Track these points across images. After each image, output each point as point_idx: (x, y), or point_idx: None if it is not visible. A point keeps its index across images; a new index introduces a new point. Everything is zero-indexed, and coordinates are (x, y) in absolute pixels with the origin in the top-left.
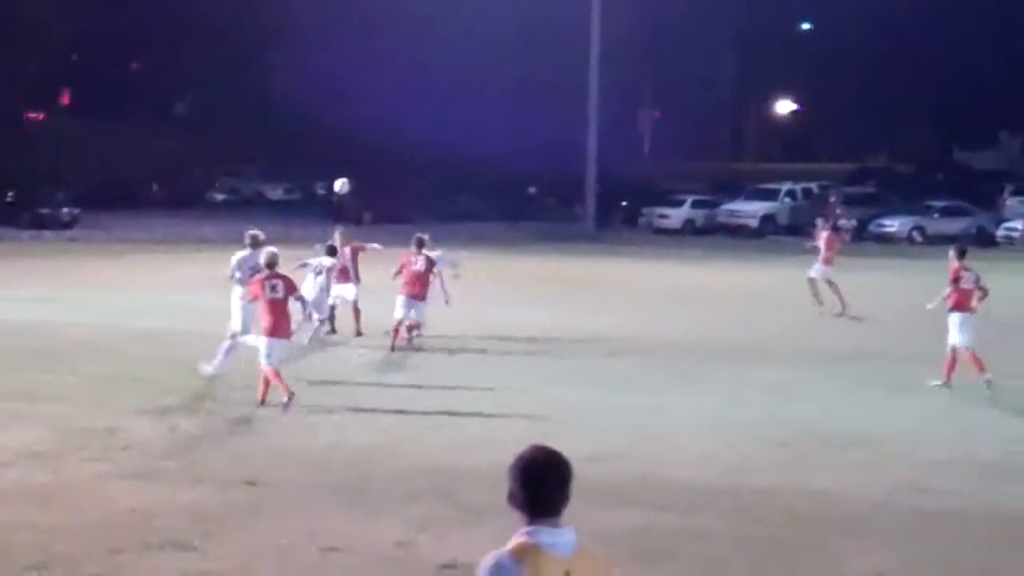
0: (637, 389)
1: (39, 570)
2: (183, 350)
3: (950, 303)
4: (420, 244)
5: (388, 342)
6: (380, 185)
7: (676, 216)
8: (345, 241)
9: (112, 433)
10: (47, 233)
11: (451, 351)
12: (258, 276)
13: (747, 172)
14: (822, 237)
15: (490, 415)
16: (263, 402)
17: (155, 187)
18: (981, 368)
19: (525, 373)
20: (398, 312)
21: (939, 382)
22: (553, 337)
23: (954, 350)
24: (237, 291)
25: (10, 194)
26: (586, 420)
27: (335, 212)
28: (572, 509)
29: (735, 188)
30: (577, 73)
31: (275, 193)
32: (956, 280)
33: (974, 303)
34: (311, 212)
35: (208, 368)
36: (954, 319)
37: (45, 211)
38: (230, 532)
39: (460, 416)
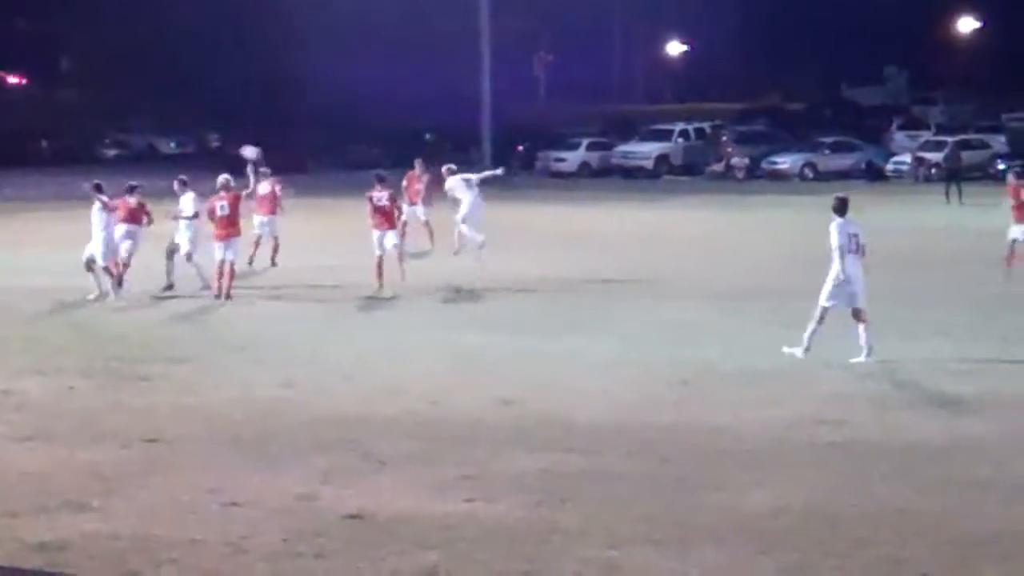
0: (538, 333)
1: None
2: (77, 308)
3: (1015, 216)
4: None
5: (284, 296)
6: (273, 136)
7: (572, 159)
8: None
9: (5, 394)
10: None
11: (351, 300)
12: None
13: (639, 114)
14: None
15: (394, 364)
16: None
17: (44, 144)
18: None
19: (427, 320)
20: None
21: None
22: (453, 283)
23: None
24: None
25: None
26: (489, 365)
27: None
28: (478, 455)
29: (628, 130)
30: (472, 18)
31: (167, 147)
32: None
33: None
34: (204, 165)
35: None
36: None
37: None
38: (130, 490)
39: (364, 366)
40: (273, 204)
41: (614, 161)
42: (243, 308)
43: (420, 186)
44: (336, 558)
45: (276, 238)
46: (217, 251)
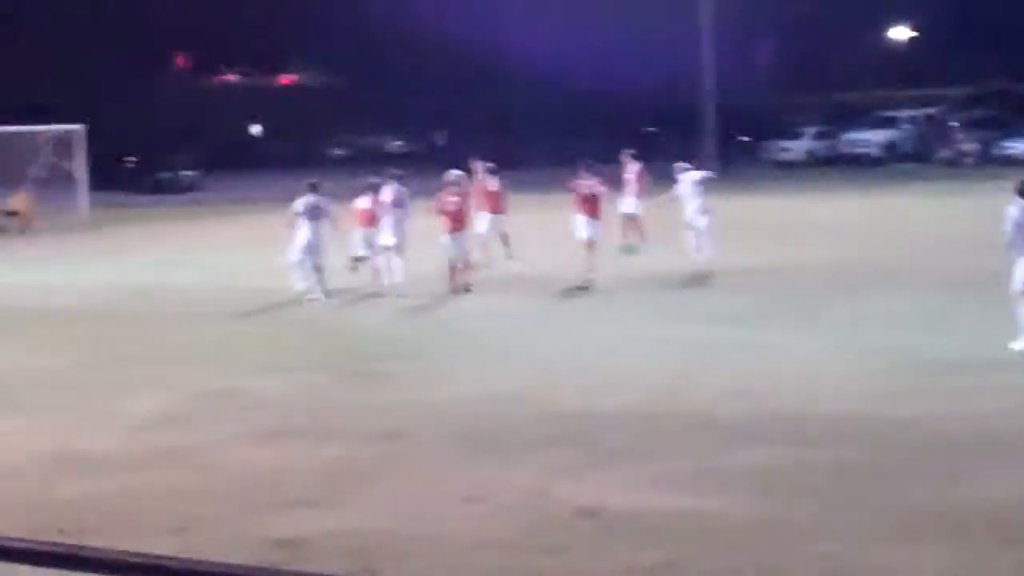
0: (764, 324)
1: (177, 533)
2: (308, 307)
3: None
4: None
5: (515, 289)
6: (491, 132)
7: (797, 148)
8: None
9: (243, 393)
10: (168, 197)
11: (572, 294)
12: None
13: (865, 101)
14: None
15: (620, 356)
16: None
17: (273, 145)
18: None
19: (648, 312)
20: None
21: None
22: (677, 275)
23: None
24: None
25: (131, 160)
26: (713, 358)
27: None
28: (706, 449)
29: (854, 118)
30: (691, 6)
31: (392, 146)
32: None
33: None
34: (429, 163)
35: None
36: None
37: (166, 175)
38: (368, 486)
39: (592, 360)
40: (498, 202)
41: (840, 150)
42: (468, 304)
43: (630, 176)
44: (570, 553)
45: (504, 235)
46: (446, 246)
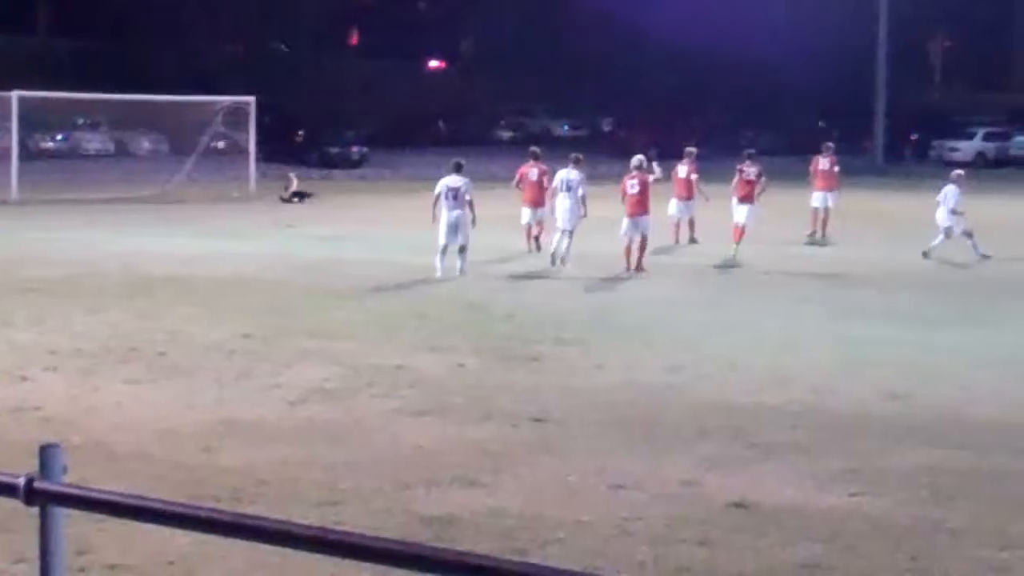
0: (928, 325)
1: (328, 506)
2: (470, 287)
3: None
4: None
5: (673, 278)
6: (666, 121)
7: (966, 149)
8: None
9: (400, 370)
10: (336, 172)
11: (738, 289)
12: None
13: None
14: None
15: (780, 352)
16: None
17: (441, 125)
18: None
19: (813, 310)
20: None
21: None
22: (841, 273)
23: None
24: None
25: (300, 133)
26: (875, 357)
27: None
28: (864, 448)
29: None
30: (866, 3)
31: (561, 130)
32: None
33: None
34: (597, 148)
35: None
36: None
37: (334, 150)
38: (517, 468)
39: (750, 354)
40: (690, 189)
41: (1012, 152)
42: (635, 291)
43: (824, 170)
44: (719, 546)
45: (691, 220)
46: (625, 228)
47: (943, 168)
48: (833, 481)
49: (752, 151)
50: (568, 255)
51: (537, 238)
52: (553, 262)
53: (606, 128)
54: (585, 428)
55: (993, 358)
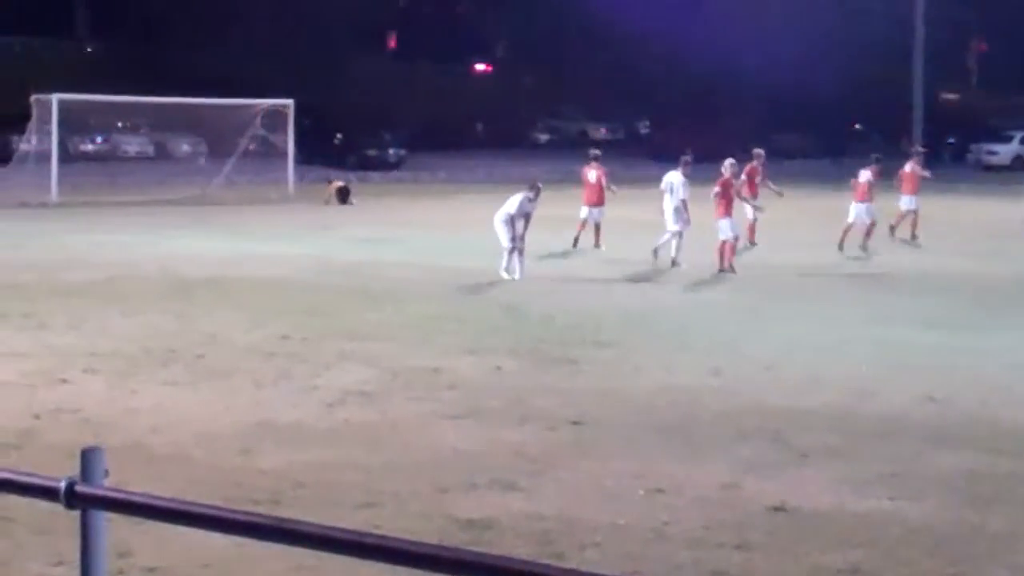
0: (966, 329)
1: (366, 508)
2: (507, 290)
3: None
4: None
5: (710, 281)
6: (701, 122)
7: (1005, 152)
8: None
9: (438, 372)
10: (374, 174)
11: (774, 291)
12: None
13: None
14: None
15: (818, 356)
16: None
17: (479, 128)
18: None
19: (850, 313)
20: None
21: None
22: (878, 276)
23: None
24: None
25: (338, 136)
26: (912, 361)
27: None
28: (902, 452)
29: None
30: (902, 4)
31: (598, 132)
32: None
33: None
34: (632, 151)
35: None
36: None
37: (372, 152)
38: (555, 472)
39: (788, 357)
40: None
41: None
42: (667, 293)
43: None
44: (758, 550)
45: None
46: (720, 229)
47: (981, 172)
48: (871, 485)
49: (879, 156)
50: (679, 256)
51: (576, 238)
52: (673, 263)
53: (643, 131)
54: (623, 431)
55: None
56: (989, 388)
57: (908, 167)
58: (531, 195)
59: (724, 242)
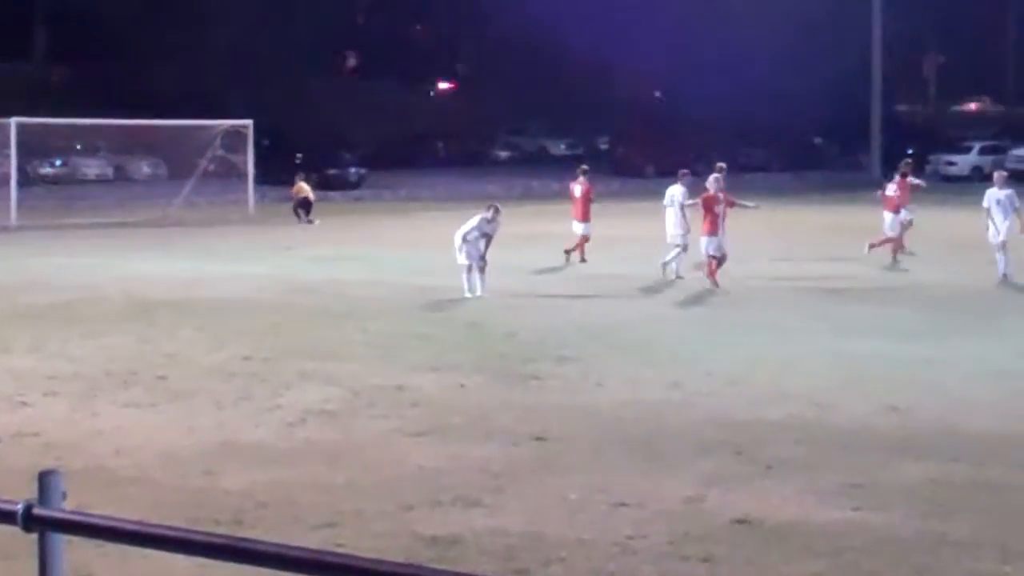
0: (927, 339)
1: (329, 528)
2: (470, 306)
3: None
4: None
5: (672, 295)
6: (661, 138)
7: (963, 163)
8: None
9: (401, 390)
10: (334, 194)
11: (737, 304)
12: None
13: None
14: None
15: (780, 369)
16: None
17: (439, 146)
18: None
19: (812, 326)
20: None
21: None
22: (839, 288)
23: None
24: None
25: (298, 156)
26: (874, 372)
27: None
28: (865, 463)
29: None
30: (859, 19)
31: (558, 149)
32: None
33: None
34: (592, 166)
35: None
36: None
37: (332, 172)
38: (520, 488)
39: (750, 370)
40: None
41: (1008, 166)
42: (630, 308)
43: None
44: (723, 563)
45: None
46: (704, 245)
47: (940, 182)
48: (835, 496)
49: (910, 162)
50: (676, 268)
51: (568, 251)
52: (668, 274)
53: (602, 146)
54: (586, 446)
55: (990, 371)
56: (951, 398)
57: (891, 188)
58: (488, 216)
59: (711, 258)
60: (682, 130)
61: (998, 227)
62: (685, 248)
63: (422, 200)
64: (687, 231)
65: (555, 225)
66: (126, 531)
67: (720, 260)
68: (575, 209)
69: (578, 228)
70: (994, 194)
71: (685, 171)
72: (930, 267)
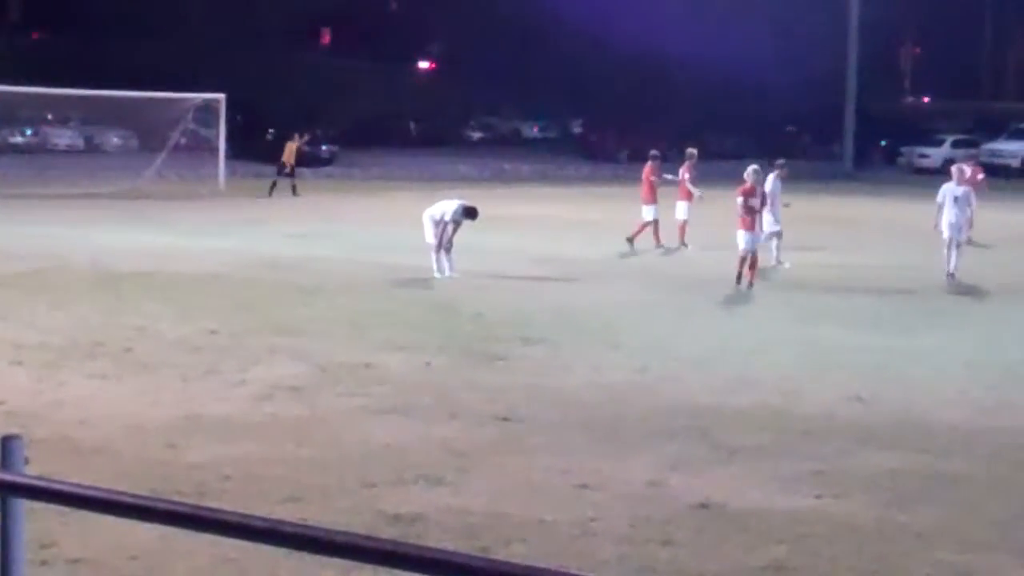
0: (895, 329)
1: (293, 503)
2: (438, 286)
3: None
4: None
5: (641, 280)
6: (636, 123)
7: (936, 156)
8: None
9: (367, 368)
10: (306, 171)
11: (705, 290)
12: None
13: (1011, 111)
14: None
15: (747, 355)
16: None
17: (412, 125)
18: None
19: (781, 313)
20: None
21: None
22: (808, 278)
23: None
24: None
25: (270, 131)
26: (840, 361)
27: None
28: (828, 451)
29: (999, 127)
30: (835, 8)
31: (530, 131)
32: None
33: None
34: (566, 150)
35: None
36: None
37: (304, 149)
38: (483, 468)
39: (717, 356)
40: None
41: (980, 159)
42: (598, 292)
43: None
44: (683, 546)
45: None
46: (739, 241)
47: (912, 175)
48: (798, 483)
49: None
50: (777, 255)
51: (631, 238)
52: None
53: (576, 130)
54: (550, 428)
55: (955, 363)
56: (916, 388)
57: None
58: (468, 210)
59: (743, 255)
60: (656, 116)
61: (952, 222)
62: (780, 235)
63: (394, 179)
64: (777, 219)
65: (526, 207)
66: (88, 497)
67: (749, 259)
68: (642, 192)
69: (647, 213)
70: (951, 189)
71: (692, 150)
72: (898, 257)
